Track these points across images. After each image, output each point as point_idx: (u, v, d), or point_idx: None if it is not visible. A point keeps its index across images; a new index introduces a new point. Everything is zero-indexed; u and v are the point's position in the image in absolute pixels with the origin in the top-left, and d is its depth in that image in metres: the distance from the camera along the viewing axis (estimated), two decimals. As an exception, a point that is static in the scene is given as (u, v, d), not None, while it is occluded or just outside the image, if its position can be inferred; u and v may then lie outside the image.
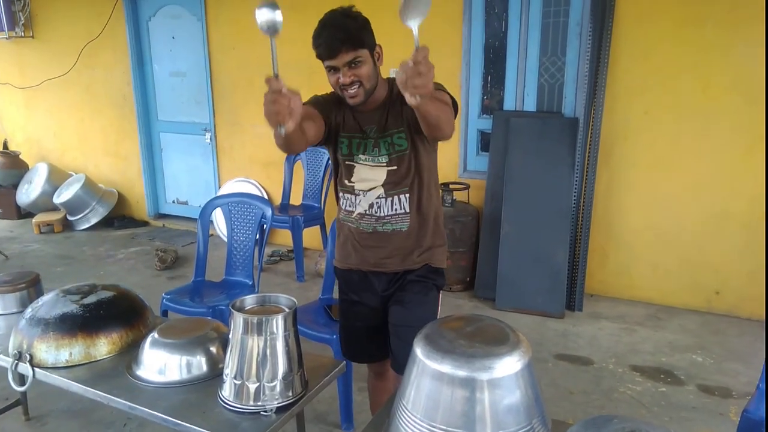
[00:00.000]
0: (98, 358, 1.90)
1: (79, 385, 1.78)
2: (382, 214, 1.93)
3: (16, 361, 1.87)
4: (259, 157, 5.37)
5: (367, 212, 1.94)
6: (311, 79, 5.08)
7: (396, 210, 1.92)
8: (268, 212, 3.18)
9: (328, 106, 1.92)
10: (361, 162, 1.92)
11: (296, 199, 4.97)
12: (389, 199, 1.91)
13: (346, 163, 1.94)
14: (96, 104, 6.19)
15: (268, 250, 5.09)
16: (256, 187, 5.40)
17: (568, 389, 3.01)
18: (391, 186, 1.90)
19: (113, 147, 6.24)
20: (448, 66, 4.33)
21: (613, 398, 2.94)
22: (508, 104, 4.29)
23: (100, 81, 6.08)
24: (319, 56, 1.77)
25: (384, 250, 1.97)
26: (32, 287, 2.33)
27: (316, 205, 4.82)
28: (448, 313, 1.65)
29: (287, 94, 1.47)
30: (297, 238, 4.53)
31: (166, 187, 6.19)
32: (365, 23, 1.77)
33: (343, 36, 1.71)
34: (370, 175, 1.91)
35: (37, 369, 1.85)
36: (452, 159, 4.49)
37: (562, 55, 4.05)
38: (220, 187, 5.66)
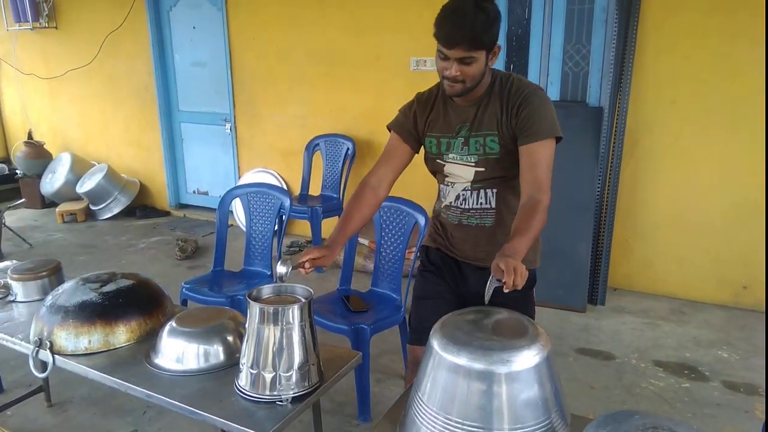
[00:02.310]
0: (117, 346, 1.91)
1: (98, 372, 1.79)
2: (467, 207, 1.88)
3: (36, 348, 1.89)
4: (279, 147, 5.38)
5: (453, 204, 1.91)
6: (332, 69, 5.08)
7: (481, 204, 1.87)
8: (287, 202, 3.17)
9: (410, 121, 1.91)
10: (450, 161, 1.87)
11: (315, 189, 4.97)
12: (475, 192, 1.86)
13: (437, 160, 1.90)
14: (118, 94, 6.25)
15: (286, 241, 5.10)
16: (275, 177, 5.41)
17: (589, 384, 2.97)
18: (479, 182, 1.84)
19: (135, 137, 6.30)
20: (469, 55, 4.27)
21: (635, 393, 2.89)
22: (531, 94, 4.21)
23: (122, 71, 6.13)
24: (436, 37, 1.67)
25: (468, 244, 1.92)
26: (53, 275, 2.35)
27: (335, 195, 4.81)
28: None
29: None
30: (316, 228, 4.52)
31: (186, 177, 6.23)
32: (495, 19, 1.65)
33: (465, 33, 1.61)
34: (458, 172, 1.86)
35: (57, 356, 1.86)
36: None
37: (587, 43, 3.96)
38: (239, 178, 5.68)
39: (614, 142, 3.86)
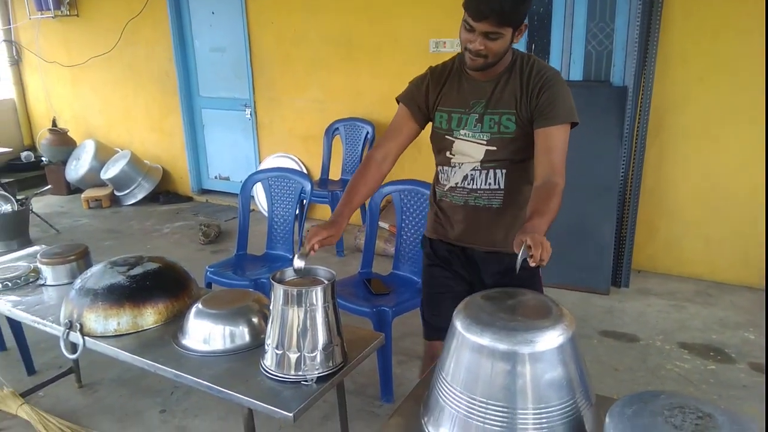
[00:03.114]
0: (145, 328, 1.95)
1: (127, 353, 1.83)
2: (474, 187, 1.84)
3: (67, 330, 1.93)
4: (298, 132, 5.39)
5: (460, 185, 1.86)
6: (350, 52, 5.06)
7: (490, 184, 1.83)
8: (308, 187, 3.18)
9: (421, 95, 1.87)
10: (460, 137, 1.82)
11: (335, 173, 4.97)
12: (484, 172, 1.82)
13: (446, 137, 1.85)
14: (139, 81, 6.31)
15: (307, 225, 5.12)
16: (296, 162, 5.43)
17: (613, 366, 2.95)
18: (488, 162, 1.81)
19: (157, 123, 6.36)
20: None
21: (660, 375, 2.87)
22: (553, 74, 4.15)
23: (142, 58, 6.18)
24: (464, 7, 1.63)
25: (473, 226, 1.89)
26: (81, 259, 2.40)
27: (356, 179, 4.80)
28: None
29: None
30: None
31: (208, 163, 6.28)
32: None
33: (494, 8, 1.57)
34: (468, 150, 1.81)
35: (87, 338, 1.91)
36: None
37: (611, 21, 3.88)
38: (260, 163, 5.71)
39: (639, 122, 3.79)
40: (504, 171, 1.80)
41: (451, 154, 1.85)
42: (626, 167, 3.85)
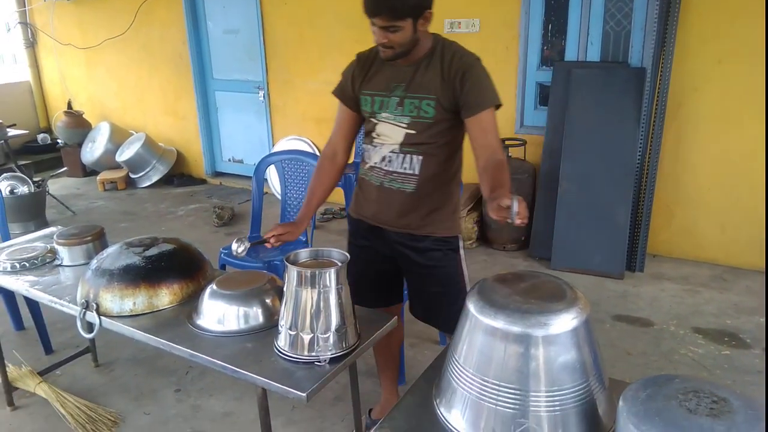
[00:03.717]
0: (160, 308, 1.97)
1: (143, 333, 1.85)
2: (391, 169, 1.92)
3: (84, 310, 1.95)
4: (312, 114, 5.37)
5: (377, 165, 1.95)
6: (364, 34, 4.99)
7: (405, 168, 1.90)
8: (343, 171, 3.16)
9: (349, 84, 1.96)
10: (382, 120, 1.91)
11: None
12: (401, 156, 1.90)
13: (370, 119, 1.95)
14: (153, 63, 6.31)
15: (320, 208, 5.13)
16: (309, 144, 5.42)
17: (626, 350, 2.94)
18: (407, 146, 1.88)
19: (171, 106, 6.38)
20: (506, 14, 4.16)
21: (674, 360, 2.85)
22: (570, 54, 4.09)
23: (156, 40, 6.17)
24: (364, 7, 1.74)
25: (386, 207, 1.97)
26: (97, 240, 2.42)
27: (369, 162, 4.79)
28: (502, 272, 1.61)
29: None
30: (349, 196, 4.53)
31: (222, 145, 6.30)
32: None
33: (385, 4, 1.68)
34: (388, 132, 1.90)
35: (103, 318, 1.93)
36: (509, 114, 4.35)
37: (630, 1, 3.80)
38: (273, 145, 5.71)
39: (657, 104, 3.74)
40: (420, 158, 1.87)
41: (375, 135, 1.94)
42: (643, 150, 3.80)
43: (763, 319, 3.20)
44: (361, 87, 1.94)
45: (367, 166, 2.00)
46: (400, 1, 1.67)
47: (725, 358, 2.86)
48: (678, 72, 3.69)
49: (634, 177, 3.76)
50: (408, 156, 1.88)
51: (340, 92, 2.01)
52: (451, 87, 1.79)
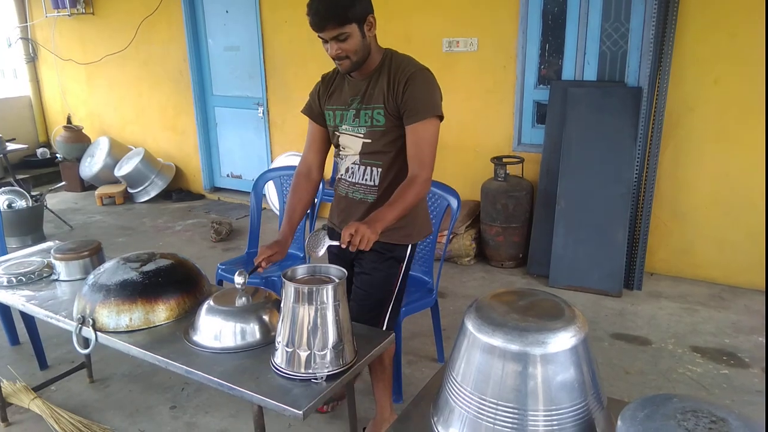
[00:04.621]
0: (157, 324, 1.96)
1: (139, 349, 1.84)
2: (354, 180, 2.06)
3: (80, 325, 1.95)
4: (311, 131, 5.38)
5: (343, 176, 2.09)
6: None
7: (365, 180, 2.03)
8: (319, 186, 3.17)
9: (316, 102, 2.11)
10: (343, 132, 2.04)
11: (347, 172, 4.97)
12: (362, 168, 2.02)
13: (334, 132, 2.08)
14: (153, 79, 6.35)
15: (318, 224, 5.13)
16: (308, 160, 5.43)
17: (624, 369, 2.93)
18: (367, 156, 2.00)
19: (171, 121, 6.40)
20: (503, 34, 4.20)
21: (672, 379, 2.84)
22: (567, 73, 4.13)
23: (157, 56, 6.22)
24: (311, 27, 1.85)
25: (349, 216, 2.07)
26: (95, 255, 2.42)
27: (367, 178, 4.80)
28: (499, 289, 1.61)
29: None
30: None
31: (221, 161, 6.31)
32: None
33: (328, 12, 1.79)
34: (349, 143, 2.03)
35: (99, 333, 1.92)
36: (506, 132, 4.38)
37: (626, 21, 3.85)
38: (272, 161, 5.73)
39: (653, 124, 3.76)
40: (379, 170, 2.00)
41: (341, 147, 2.07)
42: (640, 168, 3.82)
43: (762, 338, 3.19)
44: (325, 103, 2.08)
45: (337, 177, 2.15)
46: (341, 10, 1.78)
47: (724, 378, 2.84)
48: (674, 91, 3.73)
49: (631, 195, 3.77)
50: (368, 168, 2.01)
51: (308, 111, 2.15)
52: (395, 94, 1.90)
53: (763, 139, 3.54)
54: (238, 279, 1.89)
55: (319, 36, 1.86)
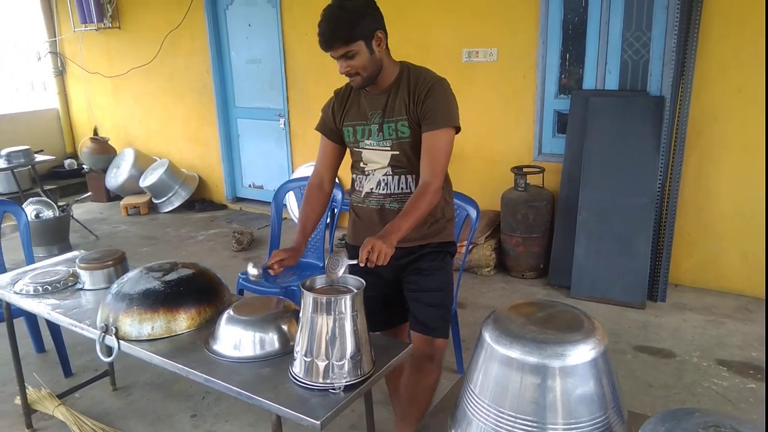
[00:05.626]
0: (178, 333, 1.98)
1: (160, 357, 1.86)
2: (389, 192, 2.04)
3: (103, 334, 1.98)
4: (332, 142, 5.42)
5: (374, 190, 2.06)
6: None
7: (402, 189, 2.03)
8: (339, 196, 3.20)
9: (330, 118, 2.10)
10: (366, 147, 2.04)
11: (367, 182, 4.98)
12: (396, 177, 2.02)
13: (354, 148, 2.08)
14: (178, 92, 6.46)
15: (338, 234, 5.15)
16: (329, 171, 5.46)
17: (648, 382, 2.88)
18: (397, 167, 2.01)
19: (194, 133, 6.50)
20: (523, 44, 4.19)
21: (696, 393, 2.78)
22: (588, 83, 4.10)
23: (181, 69, 6.33)
24: (320, 46, 1.87)
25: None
26: (118, 264, 2.46)
27: (387, 188, 4.81)
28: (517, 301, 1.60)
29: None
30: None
31: (242, 171, 6.39)
32: (360, 13, 1.83)
33: (333, 33, 1.82)
34: (375, 157, 2.03)
35: (122, 341, 1.95)
36: (526, 142, 4.36)
37: (648, 30, 3.82)
38: (293, 172, 5.78)
39: (676, 133, 3.72)
40: (413, 176, 2.01)
41: (363, 163, 2.07)
42: (663, 178, 3.77)
43: (791, 352, 3.11)
44: (342, 120, 2.07)
45: (363, 193, 2.10)
46: (347, 29, 1.81)
47: (750, 392, 2.78)
48: (697, 100, 3.68)
49: (654, 205, 3.73)
50: (402, 176, 2.02)
51: (322, 127, 2.15)
52: (416, 104, 1.92)
53: (790, 148, 3.47)
54: (252, 270, 1.92)
55: (328, 53, 1.89)
